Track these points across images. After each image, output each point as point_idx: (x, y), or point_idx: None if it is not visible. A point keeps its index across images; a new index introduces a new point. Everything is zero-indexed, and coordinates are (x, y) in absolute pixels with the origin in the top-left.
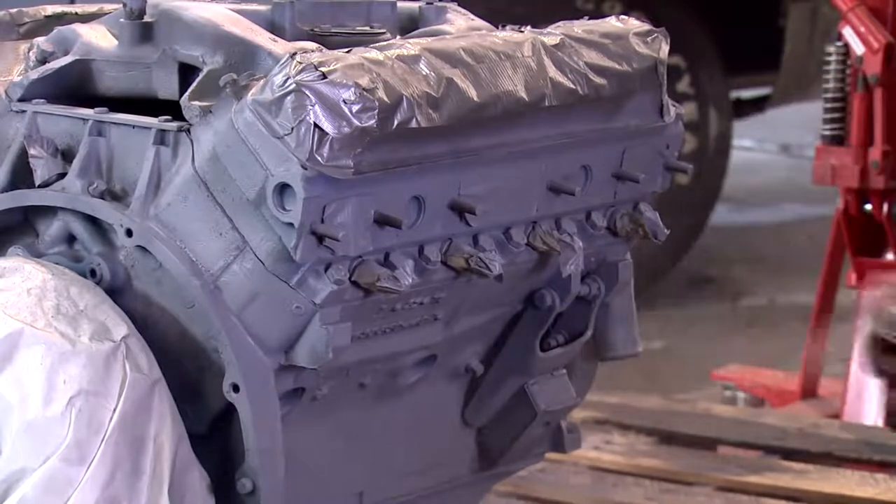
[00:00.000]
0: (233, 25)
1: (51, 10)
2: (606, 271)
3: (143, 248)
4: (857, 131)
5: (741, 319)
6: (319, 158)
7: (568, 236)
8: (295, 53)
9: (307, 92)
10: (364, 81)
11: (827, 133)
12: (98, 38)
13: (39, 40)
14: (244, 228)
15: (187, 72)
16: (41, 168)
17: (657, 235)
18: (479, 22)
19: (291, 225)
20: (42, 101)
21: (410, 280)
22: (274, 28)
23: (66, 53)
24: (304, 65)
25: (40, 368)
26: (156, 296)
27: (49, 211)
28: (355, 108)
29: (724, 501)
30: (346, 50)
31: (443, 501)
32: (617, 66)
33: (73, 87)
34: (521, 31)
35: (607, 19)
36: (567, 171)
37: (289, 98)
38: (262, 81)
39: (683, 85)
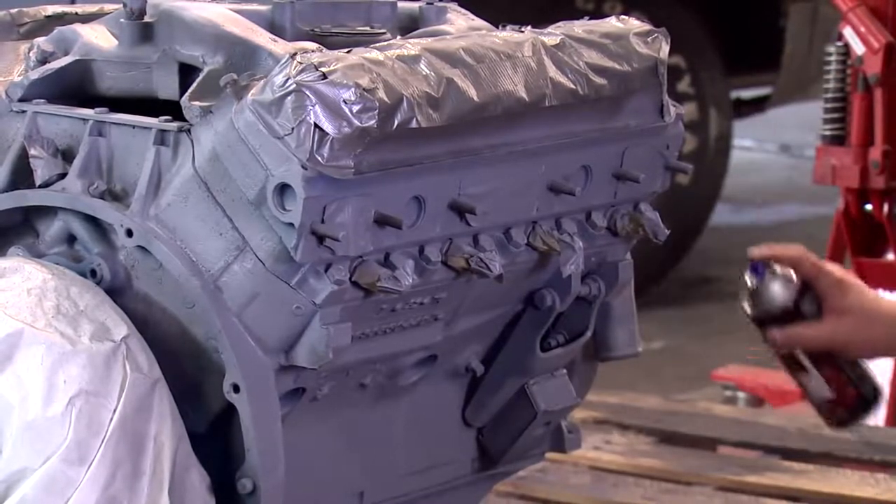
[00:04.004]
0: (233, 25)
1: (51, 10)
2: (606, 271)
3: (143, 249)
4: (857, 131)
5: (741, 319)
6: (320, 158)
7: (568, 236)
8: (295, 53)
9: (307, 92)
10: (364, 81)
11: (827, 133)
12: (98, 38)
13: (40, 40)
14: (244, 228)
15: (187, 72)
16: (41, 168)
17: (657, 235)
18: (479, 22)
19: (292, 225)
20: (42, 101)
21: (411, 280)
22: (274, 28)
23: (66, 53)
24: (304, 65)
25: (40, 368)
26: (156, 296)
27: (49, 211)
28: (355, 108)
29: (724, 501)
30: (347, 50)
31: (443, 501)
32: (617, 67)
33: (74, 87)
34: (521, 31)
35: (607, 19)
36: (567, 171)
37: (289, 98)
38: (262, 81)
39: (684, 85)
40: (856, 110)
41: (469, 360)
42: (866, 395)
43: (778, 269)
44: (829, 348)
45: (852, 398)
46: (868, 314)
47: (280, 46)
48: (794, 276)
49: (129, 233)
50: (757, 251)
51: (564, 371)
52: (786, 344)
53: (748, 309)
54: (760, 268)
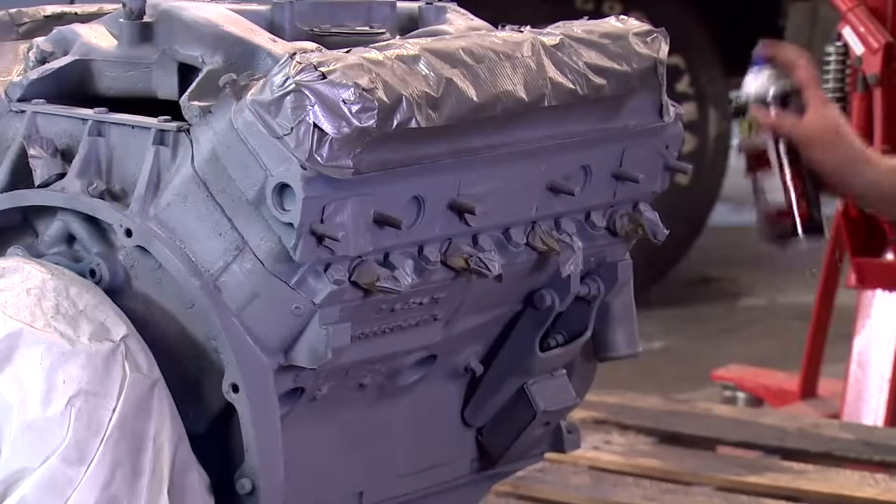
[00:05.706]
0: (232, 25)
1: (50, 10)
2: (606, 271)
3: (142, 249)
4: (856, 131)
5: (741, 319)
6: (319, 158)
7: (567, 236)
8: (294, 53)
9: (307, 92)
10: (364, 81)
11: None
12: (98, 38)
13: (39, 40)
14: (244, 228)
15: (187, 72)
16: (41, 168)
17: (657, 235)
18: (478, 22)
19: (291, 225)
20: (42, 101)
21: (410, 280)
22: (273, 28)
23: (65, 53)
24: (303, 65)
25: (40, 368)
26: (155, 296)
27: (49, 211)
28: (355, 108)
29: (724, 501)
30: (346, 50)
31: (443, 501)
32: (617, 67)
33: (73, 87)
34: (521, 31)
35: (607, 19)
36: (567, 171)
37: (288, 98)
38: (261, 81)
39: (683, 85)
40: (855, 110)
41: (468, 360)
42: (816, 216)
43: (776, 66)
44: (800, 142)
45: (803, 212)
46: (839, 131)
47: (279, 46)
48: (787, 76)
49: (129, 233)
50: (763, 47)
51: (564, 371)
52: (765, 122)
53: (738, 98)
54: (760, 61)
